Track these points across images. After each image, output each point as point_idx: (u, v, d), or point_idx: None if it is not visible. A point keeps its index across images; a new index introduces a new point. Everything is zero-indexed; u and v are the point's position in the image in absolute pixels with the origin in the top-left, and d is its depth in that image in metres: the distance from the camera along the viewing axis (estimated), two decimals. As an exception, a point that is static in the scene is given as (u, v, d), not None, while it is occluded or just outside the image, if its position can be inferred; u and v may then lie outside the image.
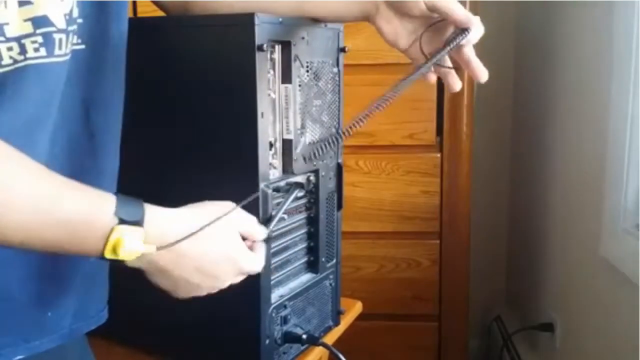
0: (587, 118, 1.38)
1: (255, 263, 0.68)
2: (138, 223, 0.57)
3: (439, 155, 1.56)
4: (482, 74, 0.78)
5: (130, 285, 0.79)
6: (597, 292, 1.31)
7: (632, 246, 1.11)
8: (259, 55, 0.72)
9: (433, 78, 0.80)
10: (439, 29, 0.77)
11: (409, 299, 1.63)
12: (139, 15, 1.33)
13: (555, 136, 1.61)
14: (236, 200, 0.67)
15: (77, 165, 0.66)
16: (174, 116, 0.81)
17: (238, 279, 0.68)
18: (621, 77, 1.16)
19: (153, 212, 0.59)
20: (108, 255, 0.56)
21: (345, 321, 0.98)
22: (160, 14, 0.90)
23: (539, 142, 1.73)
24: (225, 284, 0.67)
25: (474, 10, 1.50)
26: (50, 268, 0.66)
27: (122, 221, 0.56)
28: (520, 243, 1.96)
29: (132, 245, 0.56)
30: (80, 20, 0.63)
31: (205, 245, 0.63)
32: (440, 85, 1.54)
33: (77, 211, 0.55)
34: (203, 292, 0.66)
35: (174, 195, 0.83)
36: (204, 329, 0.84)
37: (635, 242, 1.10)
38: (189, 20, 0.84)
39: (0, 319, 0.63)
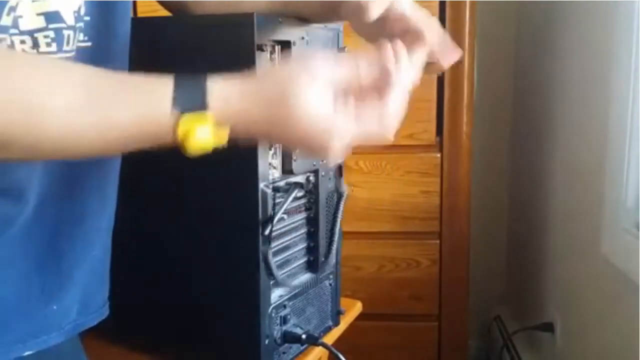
0: (587, 118, 1.38)
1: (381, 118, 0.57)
2: (202, 108, 0.53)
3: (439, 155, 1.56)
4: (451, 57, 0.73)
5: (128, 283, 0.79)
6: (597, 292, 1.31)
7: (632, 245, 1.11)
8: (259, 55, 0.72)
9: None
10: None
11: (409, 299, 1.63)
12: (139, 15, 1.33)
13: (556, 135, 1.61)
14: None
15: (80, 161, 0.66)
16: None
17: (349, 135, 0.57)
18: (621, 76, 1.16)
19: (218, 92, 0.53)
20: (187, 146, 0.52)
21: (345, 321, 0.98)
22: (160, 13, 0.90)
23: (539, 142, 1.73)
24: (345, 132, 0.56)
25: (474, 10, 1.50)
26: (54, 261, 0.66)
27: (184, 111, 0.52)
28: (520, 243, 1.96)
29: (201, 137, 0.52)
30: (87, 18, 0.63)
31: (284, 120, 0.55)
32: (441, 85, 1.54)
33: (132, 116, 0.52)
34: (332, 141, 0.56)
35: (173, 193, 0.84)
36: (203, 328, 0.84)
37: (635, 241, 1.10)
38: (188, 20, 0.84)
39: (9, 314, 0.63)
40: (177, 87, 0.53)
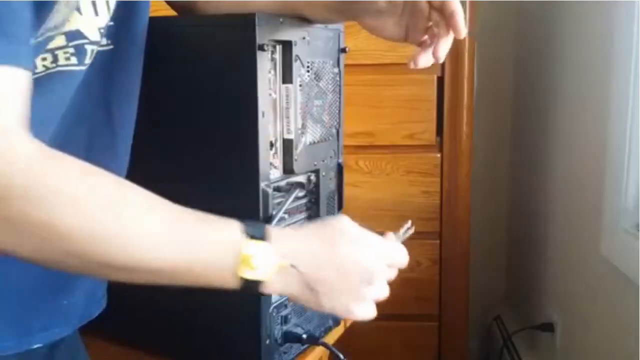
0: (587, 118, 1.38)
1: (401, 253, 0.72)
2: (264, 238, 0.58)
3: (439, 155, 1.56)
4: (461, 30, 0.76)
5: (127, 283, 0.79)
6: (597, 292, 1.31)
7: (632, 246, 1.11)
8: (260, 55, 0.72)
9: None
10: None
11: (409, 299, 1.63)
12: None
13: (556, 136, 1.61)
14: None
15: (91, 160, 0.66)
16: (174, 115, 0.81)
17: (391, 272, 0.72)
18: (621, 77, 1.16)
19: (277, 230, 0.60)
20: (243, 273, 0.56)
21: (345, 321, 0.98)
22: (161, 13, 0.90)
23: (539, 142, 1.74)
24: (380, 278, 0.70)
25: (474, 10, 1.50)
26: None
27: (251, 237, 0.57)
28: (520, 243, 1.97)
29: (265, 258, 0.57)
30: (110, 23, 0.64)
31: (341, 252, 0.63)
32: (441, 85, 1.54)
33: (205, 242, 0.56)
34: (365, 299, 0.67)
35: (174, 195, 0.84)
36: (203, 328, 0.84)
37: (635, 242, 1.10)
38: (190, 20, 0.84)
39: (21, 308, 0.64)
40: (242, 221, 0.58)
